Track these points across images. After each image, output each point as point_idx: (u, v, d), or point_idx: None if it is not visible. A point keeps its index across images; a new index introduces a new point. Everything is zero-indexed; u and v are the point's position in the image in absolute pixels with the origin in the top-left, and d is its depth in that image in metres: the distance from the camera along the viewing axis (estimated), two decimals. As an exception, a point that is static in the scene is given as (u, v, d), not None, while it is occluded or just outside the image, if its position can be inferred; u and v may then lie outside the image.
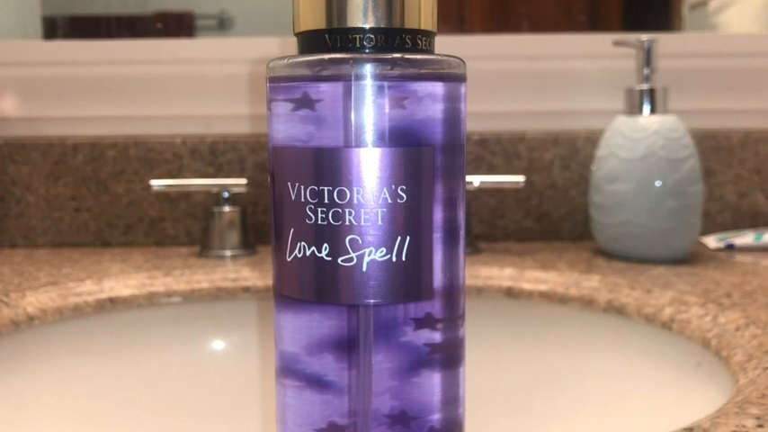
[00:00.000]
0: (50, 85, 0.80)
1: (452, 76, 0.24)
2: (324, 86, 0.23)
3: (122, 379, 0.62)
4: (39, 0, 0.91)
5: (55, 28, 0.92)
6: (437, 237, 0.25)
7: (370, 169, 0.22)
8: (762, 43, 0.81)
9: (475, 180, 0.72)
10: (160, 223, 0.79)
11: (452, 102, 0.25)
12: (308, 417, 0.27)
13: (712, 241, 0.74)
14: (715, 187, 0.78)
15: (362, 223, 0.23)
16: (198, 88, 0.80)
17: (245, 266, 0.69)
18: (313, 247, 0.23)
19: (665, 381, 0.56)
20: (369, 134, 0.22)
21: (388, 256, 0.23)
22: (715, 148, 0.78)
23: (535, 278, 0.66)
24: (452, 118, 0.25)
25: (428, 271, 0.24)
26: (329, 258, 0.23)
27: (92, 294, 0.64)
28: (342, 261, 0.23)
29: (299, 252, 0.23)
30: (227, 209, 0.73)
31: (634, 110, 0.69)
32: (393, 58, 0.22)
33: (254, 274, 0.68)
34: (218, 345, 0.67)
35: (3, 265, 0.71)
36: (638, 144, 0.67)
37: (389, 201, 0.23)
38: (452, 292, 0.27)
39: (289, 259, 0.24)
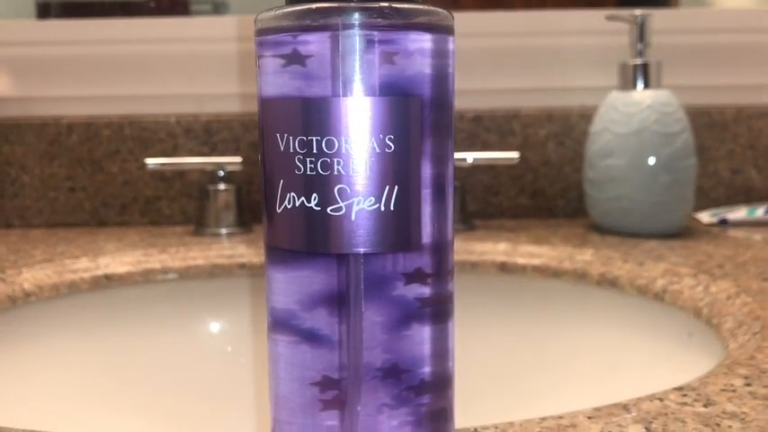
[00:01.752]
0: (45, 64, 0.80)
1: (441, 28, 0.25)
2: (312, 38, 0.23)
3: (118, 355, 0.63)
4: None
5: (48, 12, 0.92)
6: (426, 192, 0.26)
7: (357, 118, 0.23)
8: (755, 19, 0.81)
9: (468, 157, 0.72)
10: (155, 202, 0.79)
11: (440, 54, 0.25)
12: (301, 371, 0.27)
13: (706, 216, 0.74)
14: (709, 163, 0.78)
15: (351, 173, 0.23)
16: (192, 67, 0.80)
17: (240, 244, 0.69)
18: (302, 198, 0.23)
19: (657, 351, 0.56)
20: (357, 84, 0.23)
21: (377, 205, 0.23)
22: (709, 124, 0.78)
23: (529, 253, 0.66)
24: (440, 71, 0.25)
25: (416, 221, 0.24)
26: (318, 208, 0.23)
27: (87, 271, 0.64)
28: (331, 211, 0.23)
29: (289, 203, 0.24)
30: (222, 187, 0.74)
31: (628, 85, 0.69)
32: (381, 7, 0.22)
33: (250, 251, 0.68)
34: (213, 321, 0.67)
35: (-2, 243, 0.71)
36: (631, 119, 0.67)
37: (377, 150, 0.23)
38: (441, 248, 0.28)
39: (279, 211, 0.24)
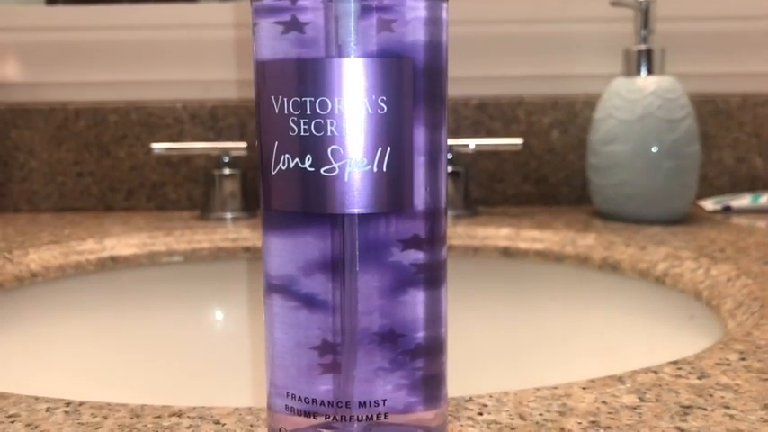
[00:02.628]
0: (52, 50, 0.81)
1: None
2: (308, 3, 0.24)
3: (123, 335, 0.63)
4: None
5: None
6: (419, 156, 0.26)
7: (351, 79, 0.23)
8: (761, 6, 0.80)
9: (471, 143, 0.72)
10: (161, 188, 0.80)
11: (435, 22, 0.25)
12: (300, 336, 0.28)
13: (709, 204, 0.74)
14: (713, 151, 0.78)
15: (344, 134, 0.23)
16: (199, 53, 0.80)
17: (245, 228, 0.70)
18: (296, 159, 0.24)
19: (658, 333, 0.57)
20: (351, 46, 0.23)
21: (370, 166, 0.24)
22: (713, 111, 0.78)
23: (531, 237, 0.66)
24: (434, 39, 0.26)
25: (409, 183, 0.25)
26: (312, 169, 0.24)
27: (93, 253, 0.65)
28: (324, 171, 0.24)
29: (284, 165, 0.24)
30: (227, 172, 0.74)
31: (631, 71, 0.69)
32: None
33: (254, 235, 0.68)
34: (217, 303, 0.68)
35: (6, 226, 0.72)
36: (635, 105, 0.67)
37: (370, 111, 0.23)
38: (435, 215, 0.28)
39: (274, 173, 0.25)
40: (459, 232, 0.68)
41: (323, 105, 0.23)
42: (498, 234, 0.67)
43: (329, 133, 0.23)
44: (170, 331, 0.65)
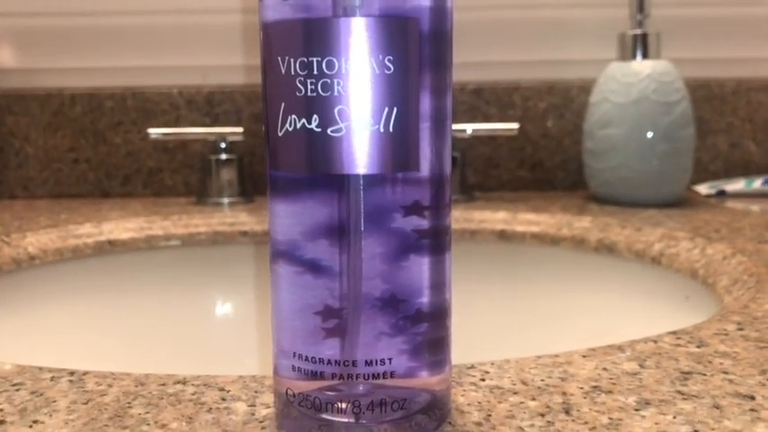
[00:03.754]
0: (48, 36, 0.80)
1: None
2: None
3: (121, 318, 0.63)
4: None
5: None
6: (425, 120, 0.26)
7: (357, 38, 0.23)
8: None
9: (468, 128, 0.73)
10: (158, 174, 0.80)
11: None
12: (305, 301, 0.28)
13: (704, 188, 0.75)
14: (707, 136, 0.79)
15: (350, 94, 0.24)
16: (194, 39, 0.80)
17: (242, 212, 0.70)
18: (303, 120, 0.24)
19: (654, 313, 0.57)
20: (356, 5, 0.23)
21: (376, 126, 0.24)
22: (708, 96, 0.79)
23: (528, 220, 0.67)
24: (439, 3, 0.26)
25: (414, 144, 0.25)
26: (319, 129, 0.24)
27: (91, 237, 0.65)
28: (331, 132, 0.24)
29: (290, 126, 0.24)
30: (224, 157, 0.74)
31: (627, 55, 0.70)
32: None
33: (252, 219, 0.69)
34: (215, 286, 0.68)
35: (2, 212, 0.72)
36: (630, 88, 0.68)
37: (377, 71, 0.24)
38: (440, 181, 0.28)
39: (280, 134, 0.25)
40: (455, 216, 0.68)
41: (330, 65, 0.23)
42: (495, 217, 0.68)
43: (336, 93, 0.23)
44: (167, 314, 0.65)
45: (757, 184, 0.73)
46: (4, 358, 0.55)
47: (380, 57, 0.23)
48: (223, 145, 0.75)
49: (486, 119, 0.78)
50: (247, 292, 0.67)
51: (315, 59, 0.23)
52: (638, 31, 0.69)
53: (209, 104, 0.79)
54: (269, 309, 0.29)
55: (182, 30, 0.80)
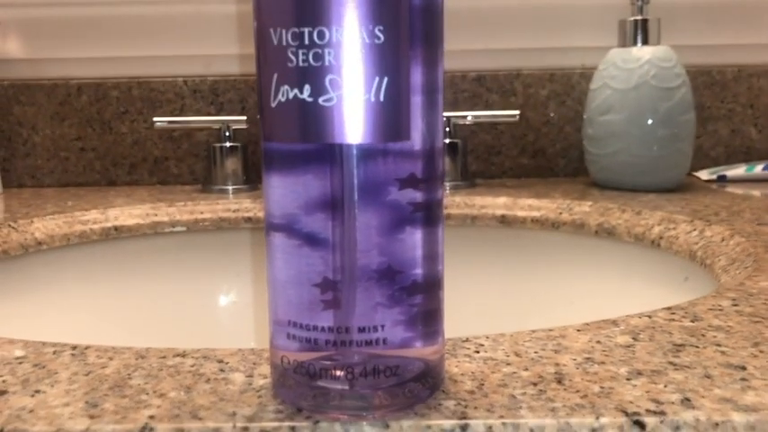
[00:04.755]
0: (54, 26, 0.81)
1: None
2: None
3: (126, 302, 0.64)
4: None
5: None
6: (416, 92, 0.27)
7: (348, 8, 0.24)
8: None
9: (469, 115, 0.73)
10: (164, 162, 0.80)
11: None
12: (302, 273, 0.28)
13: (704, 174, 0.75)
14: (708, 122, 0.79)
15: (342, 63, 0.24)
16: (199, 29, 0.81)
17: (246, 199, 0.71)
18: (295, 90, 0.24)
19: (654, 295, 0.57)
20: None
21: (367, 95, 0.24)
22: (709, 83, 0.79)
23: (528, 206, 0.67)
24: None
25: (405, 114, 0.26)
26: (311, 99, 0.24)
27: (97, 223, 0.65)
28: (323, 101, 0.24)
29: (283, 96, 0.25)
30: (228, 145, 0.75)
31: (627, 41, 0.70)
32: None
33: (256, 206, 0.69)
34: (219, 271, 0.69)
35: (11, 199, 0.73)
36: (630, 74, 0.68)
37: (367, 41, 0.24)
38: (432, 154, 0.29)
39: (273, 105, 0.25)
40: (457, 201, 0.69)
41: (321, 35, 0.24)
42: (496, 203, 0.68)
43: (327, 63, 0.24)
44: (172, 298, 0.65)
45: (758, 169, 0.74)
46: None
47: (371, 27, 0.24)
48: (228, 133, 0.75)
49: (488, 106, 0.79)
50: (250, 277, 0.68)
51: (306, 30, 0.24)
52: (639, 17, 0.70)
53: (213, 93, 0.79)
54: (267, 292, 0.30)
55: (186, 19, 0.81)
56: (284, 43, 0.24)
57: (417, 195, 0.29)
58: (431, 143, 0.29)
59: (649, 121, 0.67)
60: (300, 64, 0.24)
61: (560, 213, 0.65)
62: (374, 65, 0.24)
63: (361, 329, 0.27)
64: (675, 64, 0.69)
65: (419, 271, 0.29)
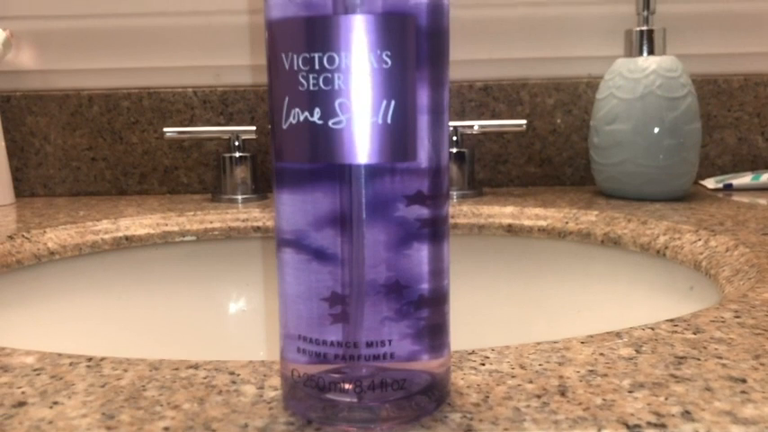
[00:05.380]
0: (66, 38, 0.82)
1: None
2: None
3: (137, 311, 0.65)
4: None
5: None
6: (423, 112, 0.28)
7: (357, 35, 0.24)
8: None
9: (475, 124, 0.74)
10: (173, 171, 0.81)
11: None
12: (311, 288, 0.29)
13: (711, 183, 0.76)
14: (715, 130, 0.80)
15: (351, 87, 0.25)
16: (209, 40, 0.82)
17: (255, 208, 0.72)
18: (306, 113, 0.25)
19: (659, 304, 0.58)
20: (356, 3, 0.25)
21: (375, 118, 0.25)
22: (715, 91, 0.79)
23: (535, 215, 0.68)
24: (436, 0, 0.27)
25: (412, 135, 0.26)
26: (321, 122, 0.25)
27: (108, 233, 0.66)
28: (332, 124, 0.25)
29: (294, 119, 0.26)
30: (238, 155, 0.76)
31: (633, 51, 0.71)
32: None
33: (265, 215, 0.70)
34: (229, 280, 0.70)
35: (24, 209, 0.74)
36: (636, 84, 0.69)
37: (375, 66, 0.25)
38: (438, 171, 0.30)
39: (284, 127, 0.26)
40: (464, 211, 0.69)
41: (330, 60, 0.25)
42: (503, 212, 0.69)
43: (336, 87, 0.25)
44: (182, 307, 0.66)
45: (764, 178, 0.74)
46: (25, 347, 0.56)
47: (379, 52, 0.25)
48: (237, 143, 0.76)
49: (495, 115, 0.80)
50: (259, 286, 0.69)
51: (316, 55, 0.25)
52: (644, 28, 0.70)
53: (223, 104, 0.80)
54: (277, 300, 0.31)
55: (195, 31, 0.82)
56: (295, 68, 0.25)
57: (424, 212, 0.30)
58: (437, 161, 0.29)
59: (655, 131, 0.68)
60: (311, 88, 0.25)
61: (567, 223, 0.65)
62: (382, 89, 0.25)
63: (369, 344, 0.28)
64: (681, 74, 0.69)
65: (426, 285, 0.30)
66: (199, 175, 0.81)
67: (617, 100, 0.69)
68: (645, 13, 0.70)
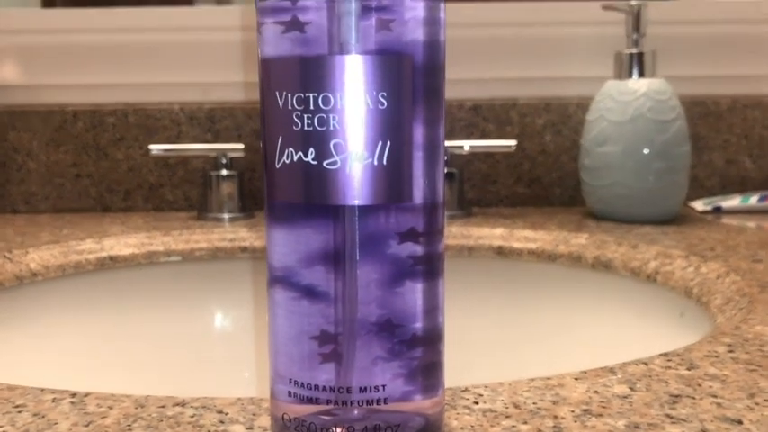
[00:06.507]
0: (51, 52, 0.81)
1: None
2: (311, 4, 0.25)
3: (123, 333, 0.64)
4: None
5: (54, 2, 0.93)
6: (418, 151, 0.27)
7: (352, 75, 0.24)
8: (749, 10, 0.82)
9: (465, 144, 0.73)
10: (159, 189, 0.80)
11: (432, 21, 0.26)
12: (301, 326, 0.29)
13: (700, 205, 0.76)
14: (703, 152, 0.80)
15: (346, 128, 0.24)
16: (196, 56, 0.81)
17: (242, 228, 0.71)
18: (300, 153, 0.25)
19: (649, 329, 0.58)
20: (352, 43, 0.24)
21: (370, 159, 0.25)
22: (703, 113, 0.80)
23: (525, 237, 0.67)
24: (432, 38, 0.27)
25: (408, 176, 0.26)
26: (315, 162, 0.25)
27: (92, 252, 0.65)
28: (327, 164, 0.25)
29: (287, 158, 0.25)
30: (224, 173, 0.75)
31: (623, 74, 0.71)
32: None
33: (252, 235, 0.69)
34: (215, 302, 0.69)
35: (5, 227, 0.73)
36: (626, 107, 0.69)
37: (371, 106, 0.24)
38: (433, 208, 0.29)
39: (278, 166, 0.25)
40: (453, 232, 0.69)
41: (325, 101, 0.24)
42: (492, 234, 0.68)
43: (331, 128, 0.24)
44: (169, 329, 0.65)
45: (753, 200, 0.74)
46: (7, 372, 0.55)
47: (374, 93, 0.24)
48: (224, 161, 0.75)
49: (484, 135, 0.79)
50: (246, 307, 0.68)
51: (311, 95, 0.24)
52: (634, 51, 0.70)
53: (210, 121, 0.79)
54: (265, 322, 0.30)
55: (183, 47, 0.81)
56: (289, 107, 0.24)
57: (417, 249, 0.29)
58: (432, 199, 0.29)
59: (645, 154, 0.68)
60: (305, 128, 0.24)
61: (557, 246, 0.65)
62: (377, 129, 0.24)
63: (362, 389, 0.27)
64: (671, 97, 0.69)
65: (419, 324, 0.30)
66: (184, 193, 0.80)
67: (607, 122, 0.69)
68: (635, 35, 0.70)
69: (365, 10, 0.25)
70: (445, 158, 0.74)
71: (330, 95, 0.24)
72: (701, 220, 0.71)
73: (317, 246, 0.27)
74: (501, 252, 0.67)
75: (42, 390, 0.34)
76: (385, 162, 0.25)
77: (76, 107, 0.80)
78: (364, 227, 0.27)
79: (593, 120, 0.71)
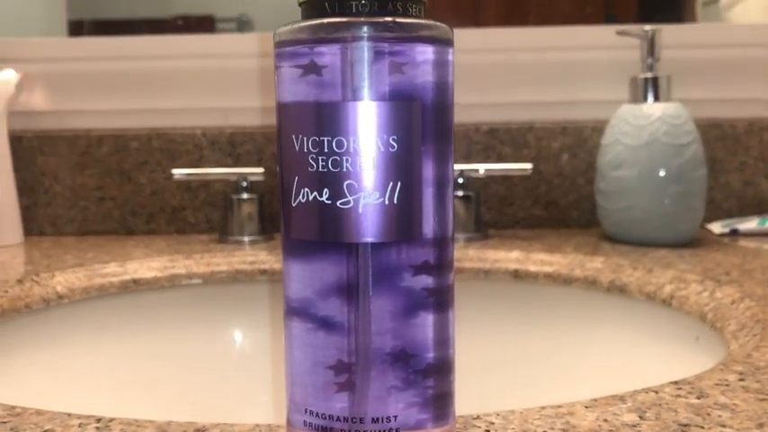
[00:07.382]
0: (77, 80, 0.83)
1: (442, 40, 0.27)
2: (325, 49, 0.26)
3: (145, 354, 0.65)
4: (65, 4, 0.95)
5: (81, 31, 0.96)
6: (427, 189, 0.28)
7: (365, 121, 0.25)
8: (763, 33, 0.82)
9: (481, 168, 0.74)
10: (181, 212, 0.82)
11: (441, 64, 0.27)
12: (317, 356, 0.30)
13: (717, 227, 0.76)
14: (720, 175, 0.80)
15: (358, 170, 0.25)
16: (217, 82, 0.83)
17: (262, 251, 0.72)
18: (315, 193, 0.26)
19: (664, 354, 0.58)
20: (365, 90, 0.25)
21: (382, 199, 0.26)
22: (720, 136, 0.80)
23: (541, 260, 0.68)
24: (441, 80, 0.28)
25: (418, 214, 0.27)
26: (329, 202, 0.26)
27: (116, 276, 0.67)
28: (340, 204, 0.26)
29: (303, 197, 0.26)
30: (245, 197, 0.76)
31: (638, 98, 0.71)
32: (385, 21, 0.25)
33: (272, 258, 0.71)
34: (236, 324, 0.70)
35: (32, 249, 0.75)
36: (642, 131, 0.69)
37: (382, 149, 0.25)
38: (444, 242, 0.30)
39: (294, 205, 0.27)
40: (470, 255, 0.70)
41: (339, 144, 0.25)
42: (509, 257, 0.69)
43: (345, 169, 0.25)
44: (190, 351, 0.67)
45: (770, 223, 0.74)
46: (33, 394, 0.57)
47: (386, 136, 0.25)
48: (244, 184, 0.77)
49: (501, 158, 0.80)
50: (265, 329, 0.69)
51: (326, 139, 0.25)
52: (649, 75, 0.71)
53: (231, 145, 0.81)
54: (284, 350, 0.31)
55: (204, 73, 0.83)
56: (305, 150, 0.26)
57: (430, 281, 0.30)
58: (442, 233, 0.30)
59: (661, 178, 0.68)
60: (320, 169, 0.25)
61: (572, 269, 0.66)
62: (388, 171, 0.26)
63: (375, 420, 0.28)
64: (686, 121, 0.70)
65: (432, 354, 0.30)
66: (206, 215, 0.82)
67: (622, 146, 0.70)
68: (649, 60, 0.71)
69: (378, 55, 0.26)
70: (462, 181, 0.75)
71: (344, 139, 0.25)
72: (718, 243, 0.71)
73: (333, 280, 0.29)
74: (517, 275, 0.68)
75: (69, 415, 0.36)
76: (396, 201, 0.26)
77: (101, 132, 0.82)
78: (378, 262, 0.28)
79: (609, 143, 0.72)
